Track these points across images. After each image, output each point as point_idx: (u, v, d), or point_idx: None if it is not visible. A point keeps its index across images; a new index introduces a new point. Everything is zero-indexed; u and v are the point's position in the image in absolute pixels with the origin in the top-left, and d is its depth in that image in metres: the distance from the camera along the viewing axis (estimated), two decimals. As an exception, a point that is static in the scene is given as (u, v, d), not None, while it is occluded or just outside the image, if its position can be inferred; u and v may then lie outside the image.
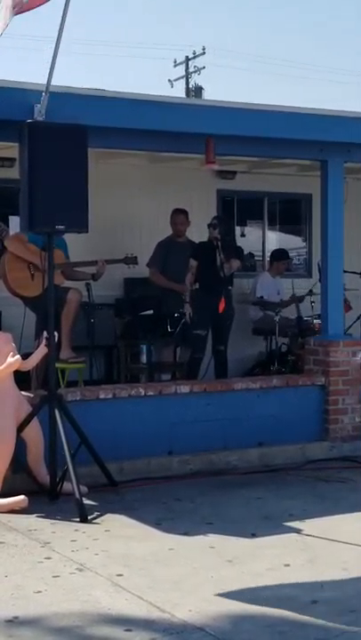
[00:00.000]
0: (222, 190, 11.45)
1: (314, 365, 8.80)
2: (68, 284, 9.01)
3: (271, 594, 5.07)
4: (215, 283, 9.48)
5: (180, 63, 44.23)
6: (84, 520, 6.37)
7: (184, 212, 10.24)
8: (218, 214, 10.72)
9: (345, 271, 9.09)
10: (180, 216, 10.24)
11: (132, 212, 10.63)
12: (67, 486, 6.75)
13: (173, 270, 10.02)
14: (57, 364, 7.66)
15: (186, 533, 6.15)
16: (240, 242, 11.71)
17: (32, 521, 6.40)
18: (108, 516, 6.53)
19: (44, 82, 6.81)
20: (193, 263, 9.79)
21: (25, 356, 7.13)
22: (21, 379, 7.38)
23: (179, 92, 41.94)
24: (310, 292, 10.46)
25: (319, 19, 54.75)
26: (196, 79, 44.29)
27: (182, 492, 7.20)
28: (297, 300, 10.61)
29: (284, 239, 12.28)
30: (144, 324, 9.62)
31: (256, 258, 12.10)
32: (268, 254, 11.63)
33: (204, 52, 43.87)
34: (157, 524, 6.37)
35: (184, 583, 5.22)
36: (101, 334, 9.65)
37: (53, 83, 6.80)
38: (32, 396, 7.27)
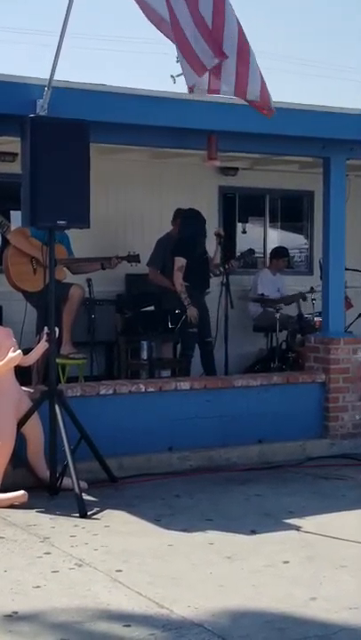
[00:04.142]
0: (224, 187, 11.43)
1: (314, 363, 8.80)
2: (74, 278, 9.01)
3: (270, 590, 5.08)
4: (206, 279, 9.75)
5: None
6: (83, 515, 6.38)
7: None
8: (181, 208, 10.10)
9: (346, 269, 9.09)
10: None
11: (133, 208, 10.62)
12: (66, 482, 6.75)
13: (172, 266, 9.98)
14: (57, 360, 7.66)
15: (185, 530, 6.15)
16: (241, 239, 11.70)
17: (32, 516, 6.40)
18: (108, 512, 6.53)
19: (47, 77, 6.81)
20: (183, 262, 9.49)
21: (26, 352, 7.12)
22: (22, 374, 7.37)
23: (181, 87, 41.92)
24: (311, 290, 10.45)
25: (321, 15, 54.63)
26: (198, 75, 44.23)
27: (182, 489, 7.20)
28: (299, 297, 10.60)
29: (286, 236, 12.27)
30: (145, 320, 9.62)
31: (257, 255, 12.08)
32: (269, 251, 11.62)
33: (206, 49, 43.78)
34: (157, 520, 6.37)
35: (183, 579, 5.23)
36: (102, 330, 9.65)
37: (56, 78, 6.79)
38: (32, 391, 7.27)
